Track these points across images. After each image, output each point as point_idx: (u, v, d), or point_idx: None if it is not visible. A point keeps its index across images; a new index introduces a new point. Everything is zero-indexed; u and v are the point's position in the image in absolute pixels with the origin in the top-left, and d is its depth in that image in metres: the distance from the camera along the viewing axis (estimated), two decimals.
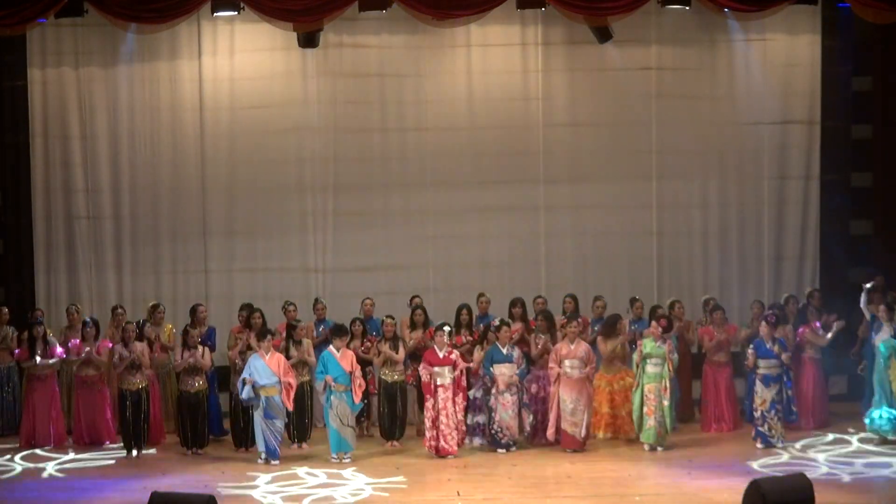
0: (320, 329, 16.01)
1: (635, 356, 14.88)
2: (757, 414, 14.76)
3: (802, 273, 17.93)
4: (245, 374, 14.39)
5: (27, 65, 17.52)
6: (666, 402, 14.71)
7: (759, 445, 14.61)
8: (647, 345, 14.74)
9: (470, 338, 15.38)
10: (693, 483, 13.16)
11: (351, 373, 14.37)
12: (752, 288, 17.79)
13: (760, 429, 14.68)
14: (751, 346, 14.92)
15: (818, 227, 17.90)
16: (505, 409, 14.68)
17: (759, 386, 14.77)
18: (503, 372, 14.69)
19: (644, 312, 16.07)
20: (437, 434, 14.46)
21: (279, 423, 14.44)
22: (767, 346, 14.76)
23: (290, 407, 14.54)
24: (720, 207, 17.99)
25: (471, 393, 14.94)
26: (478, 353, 14.96)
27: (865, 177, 17.83)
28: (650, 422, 14.67)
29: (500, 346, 14.78)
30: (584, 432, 14.68)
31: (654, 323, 14.91)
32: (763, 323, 14.95)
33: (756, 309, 16.15)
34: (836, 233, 17.82)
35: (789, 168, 17.94)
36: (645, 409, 14.67)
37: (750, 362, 14.83)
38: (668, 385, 14.75)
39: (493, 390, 14.74)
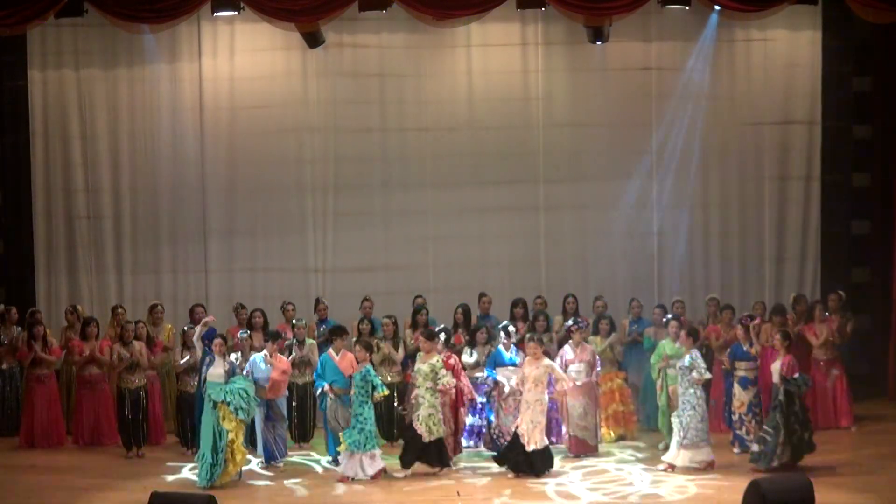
0: (321, 329, 15.99)
1: (653, 360, 14.56)
2: (735, 417, 14.40)
3: (803, 273, 17.91)
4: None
5: (27, 65, 17.56)
6: None
7: (735, 450, 14.24)
8: (668, 347, 14.42)
9: (467, 337, 15.28)
10: (693, 483, 13.13)
11: (350, 377, 14.26)
12: (752, 288, 17.78)
13: (738, 432, 14.26)
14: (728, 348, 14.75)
15: (819, 228, 17.89)
16: (507, 413, 14.46)
17: (736, 388, 14.41)
18: (507, 376, 14.50)
19: (643, 312, 16.04)
20: None
21: (280, 428, 14.37)
22: (744, 348, 14.46)
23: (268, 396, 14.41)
24: (720, 207, 17.98)
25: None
26: (465, 356, 14.77)
27: (866, 177, 17.83)
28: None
29: (503, 350, 14.68)
30: (595, 435, 14.56)
31: (673, 323, 14.70)
32: (738, 326, 14.74)
33: (758, 309, 16.08)
34: (836, 233, 17.82)
35: (790, 168, 17.94)
36: (670, 410, 14.29)
37: (727, 364, 14.64)
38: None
39: (496, 395, 14.62)
